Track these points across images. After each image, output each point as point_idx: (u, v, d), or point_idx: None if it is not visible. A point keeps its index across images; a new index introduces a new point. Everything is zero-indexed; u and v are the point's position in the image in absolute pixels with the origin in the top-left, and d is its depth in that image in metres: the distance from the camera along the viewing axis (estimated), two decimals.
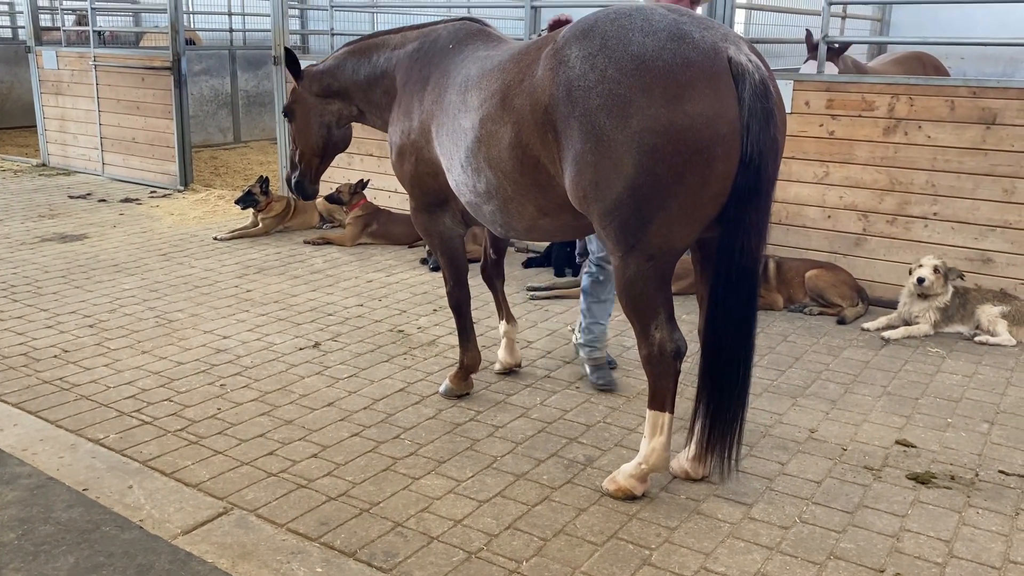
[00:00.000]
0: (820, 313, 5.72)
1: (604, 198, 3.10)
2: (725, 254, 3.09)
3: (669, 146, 2.92)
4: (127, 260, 6.78)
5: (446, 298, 4.38)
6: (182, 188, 9.60)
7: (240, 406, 4.21)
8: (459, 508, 3.35)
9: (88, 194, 9.38)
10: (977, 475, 3.68)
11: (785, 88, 5.90)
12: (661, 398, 3.34)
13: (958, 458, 3.83)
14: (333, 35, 8.63)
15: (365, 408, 4.22)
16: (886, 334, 5.31)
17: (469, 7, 8.97)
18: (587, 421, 4.12)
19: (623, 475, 3.43)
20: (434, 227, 4.22)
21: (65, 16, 11.35)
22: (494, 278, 4.66)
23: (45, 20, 11.50)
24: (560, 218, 3.53)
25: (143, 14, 14.97)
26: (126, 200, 9.11)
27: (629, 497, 3.41)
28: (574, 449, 3.85)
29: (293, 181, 4.71)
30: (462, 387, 4.35)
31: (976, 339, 5.26)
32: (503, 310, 4.64)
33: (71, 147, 10.80)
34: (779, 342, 5.25)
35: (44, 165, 11.09)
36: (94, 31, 10.12)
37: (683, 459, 3.56)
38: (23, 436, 3.86)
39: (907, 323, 5.40)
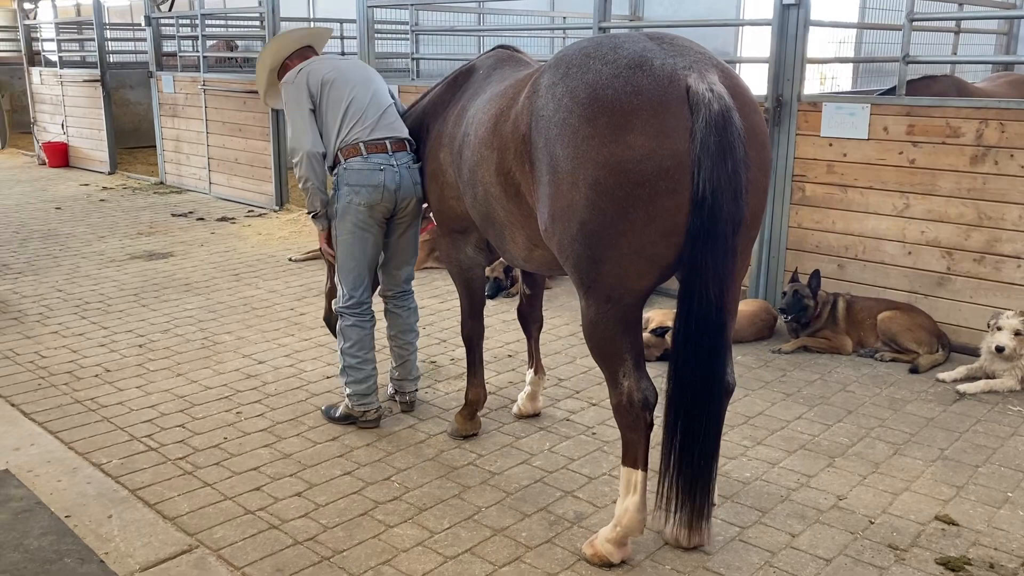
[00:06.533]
0: (892, 359, 5.18)
1: (560, 233, 2.94)
2: (684, 301, 2.83)
3: (611, 179, 2.73)
4: (199, 280, 7.00)
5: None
6: (277, 208, 9.90)
7: (246, 436, 4.20)
8: (422, 563, 3.17)
9: (190, 212, 9.82)
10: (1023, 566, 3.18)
11: (861, 112, 5.43)
12: (632, 453, 3.09)
13: (1006, 542, 3.32)
14: (414, 59, 8.69)
15: (367, 445, 4.12)
16: (962, 387, 4.74)
17: (553, 29, 8.82)
18: (591, 473, 3.86)
19: (600, 539, 3.17)
20: (455, 254, 4.12)
21: (181, 42, 11.97)
22: (530, 321, 4.48)
23: (171, 46, 12.14)
24: (551, 251, 3.34)
25: None
26: (222, 219, 9.47)
27: (606, 564, 3.14)
28: (566, 504, 3.60)
29: None
30: (468, 427, 4.18)
31: None
32: (534, 358, 4.44)
33: (184, 166, 11.38)
34: (836, 391, 4.78)
35: (162, 183, 11.72)
36: (203, 56, 10.63)
37: (675, 525, 3.25)
38: (34, 457, 3.97)
39: (989, 376, 4.81)
